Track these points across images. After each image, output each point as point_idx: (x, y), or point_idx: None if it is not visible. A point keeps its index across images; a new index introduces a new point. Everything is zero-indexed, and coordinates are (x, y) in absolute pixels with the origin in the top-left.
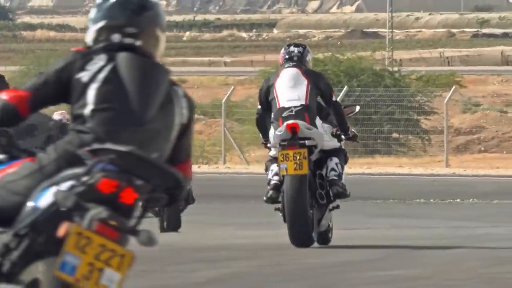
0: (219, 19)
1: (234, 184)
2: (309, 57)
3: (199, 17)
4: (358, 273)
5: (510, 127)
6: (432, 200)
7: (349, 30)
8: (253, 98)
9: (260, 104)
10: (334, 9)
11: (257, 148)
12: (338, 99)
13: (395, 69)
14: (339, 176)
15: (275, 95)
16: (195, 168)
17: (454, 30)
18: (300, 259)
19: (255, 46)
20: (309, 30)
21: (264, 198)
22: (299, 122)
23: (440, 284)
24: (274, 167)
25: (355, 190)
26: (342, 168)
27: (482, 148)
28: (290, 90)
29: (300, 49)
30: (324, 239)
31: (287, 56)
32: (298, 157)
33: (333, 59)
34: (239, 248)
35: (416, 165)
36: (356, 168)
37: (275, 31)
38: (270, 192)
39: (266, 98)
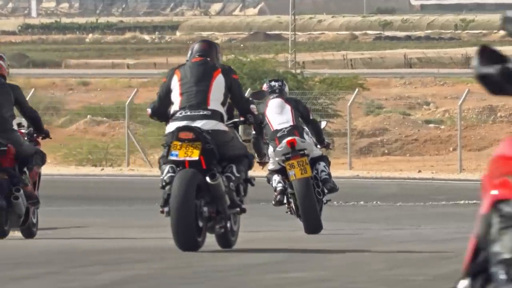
0: (122, 21)
1: (137, 187)
2: (286, 89)
3: (102, 19)
4: (262, 275)
5: (413, 129)
6: (335, 202)
7: (252, 32)
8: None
9: (254, 130)
10: (237, 12)
11: (160, 150)
12: None
13: (298, 71)
14: (329, 175)
15: (267, 121)
16: (98, 170)
17: (356, 33)
18: (204, 261)
19: (158, 48)
20: (212, 33)
21: (273, 202)
22: (296, 137)
23: (343, 287)
24: (275, 177)
25: (258, 192)
26: (329, 169)
27: (386, 151)
28: (279, 116)
29: (280, 83)
30: None
31: (270, 90)
32: (301, 164)
33: (236, 62)
34: (143, 250)
35: None
36: (259, 171)
37: (178, 33)
38: (278, 196)
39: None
